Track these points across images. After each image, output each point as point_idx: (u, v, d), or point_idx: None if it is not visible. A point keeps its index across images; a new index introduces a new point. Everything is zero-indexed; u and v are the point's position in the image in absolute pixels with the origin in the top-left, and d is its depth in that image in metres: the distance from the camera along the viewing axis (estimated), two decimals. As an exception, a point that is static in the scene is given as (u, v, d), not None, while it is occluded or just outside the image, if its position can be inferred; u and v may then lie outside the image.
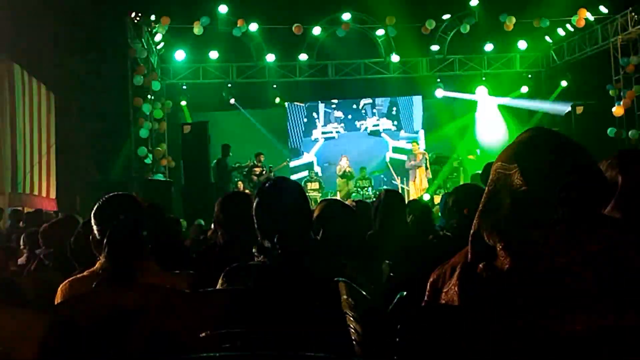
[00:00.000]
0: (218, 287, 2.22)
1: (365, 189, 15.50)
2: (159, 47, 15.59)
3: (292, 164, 17.43)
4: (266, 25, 15.64)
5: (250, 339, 2.09)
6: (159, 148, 15.12)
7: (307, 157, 18.03)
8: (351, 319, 1.88)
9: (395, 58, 16.66)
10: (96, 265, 2.37)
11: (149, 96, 14.75)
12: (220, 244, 3.39)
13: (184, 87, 16.58)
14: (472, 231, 1.49)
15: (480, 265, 1.42)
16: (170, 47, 15.79)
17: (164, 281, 2.43)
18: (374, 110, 18.38)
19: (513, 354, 1.32)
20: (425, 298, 1.63)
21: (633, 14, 14.13)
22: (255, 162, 14.99)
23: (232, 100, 16.75)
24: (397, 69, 17.13)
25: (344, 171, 15.82)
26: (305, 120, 18.11)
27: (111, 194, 2.53)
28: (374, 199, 4.95)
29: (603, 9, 15.03)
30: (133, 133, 14.19)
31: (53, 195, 13.36)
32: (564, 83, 16.44)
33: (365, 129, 18.23)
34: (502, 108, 17.58)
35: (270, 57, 16.22)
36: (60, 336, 2.11)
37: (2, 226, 9.32)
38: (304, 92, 17.59)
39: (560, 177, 1.38)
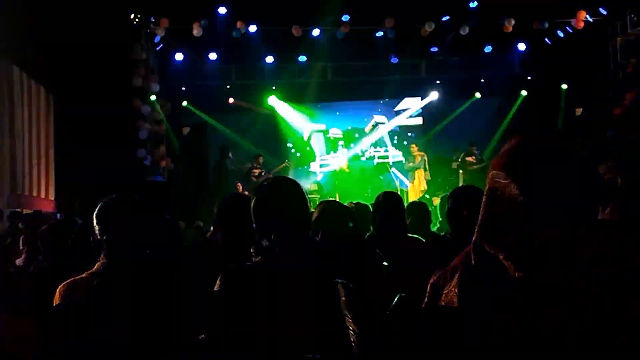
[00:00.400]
0: (216, 288, 2.21)
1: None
2: (157, 48, 15.59)
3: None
4: (265, 27, 15.63)
5: (249, 340, 2.09)
6: (158, 150, 15.12)
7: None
8: (350, 320, 1.88)
9: (394, 60, 16.66)
10: (95, 266, 2.37)
11: (147, 98, 14.75)
12: (220, 245, 3.39)
13: (183, 88, 16.58)
14: (473, 239, 1.49)
15: (486, 273, 1.42)
16: (169, 48, 15.79)
17: (163, 283, 2.43)
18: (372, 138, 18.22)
19: (513, 354, 1.32)
20: (426, 299, 1.63)
21: (632, 15, 14.14)
22: (254, 163, 14.98)
23: (231, 100, 16.75)
24: (396, 71, 17.12)
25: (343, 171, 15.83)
26: (307, 148, 18.06)
27: (112, 196, 2.53)
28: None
29: (602, 11, 15.04)
30: (132, 134, 14.18)
31: (52, 196, 13.35)
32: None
33: (372, 157, 18.05)
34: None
35: (269, 59, 16.23)
36: (58, 337, 2.11)
37: (0, 227, 9.31)
38: (304, 94, 17.58)
39: (557, 186, 1.37)
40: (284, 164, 15.88)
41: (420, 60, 17.18)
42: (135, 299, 2.24)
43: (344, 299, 1.95)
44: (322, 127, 18.06)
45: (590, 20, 15.16)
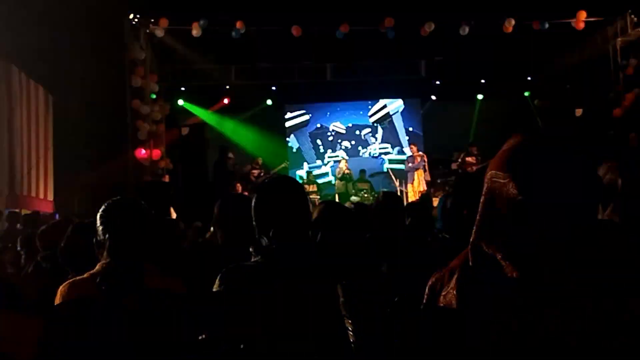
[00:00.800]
0: (214, 288, 2.21)
1: (364, 191, 15.50)
2: (157, 48, 15.58)
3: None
4: (265, 27, 15.62)
5: (247, 341, 2.08)
6: (157, 150, 15.11)
7: (325, 168, 18.07)
8: (349, 320, 1.88)
9: (393, 60, 16.68)
10: (97, 267, 2.36)
11: (147, 98, 14.74)
12: (219, 245, 3.39)
13: (182, 88, 16.58)
14: (471, 240, 1.48)
15: (484, 273, 1.41)
16: (168, 48, 15.78)
17: (162, 284, 2.43)
18: (376, 136, 18.32)
19: (513, 354, 1.32)
20: (424, 301, 1.63)
21: (632, 16, 14.14)
22: (253, 164, 14.99)
23: (226, 100, 16.77)
24: (396, 71, 17.13)
25: (343, 173, 15.82)
26: (311, 146, 18.07)
27: (118, 197, 2.54)
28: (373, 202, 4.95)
29: (602, 11, 15.03)
30: (131, 135, 14.18)
31: (51, 197, 13.34)
32: None
33: (371, 154, 18.15)
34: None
35: (269, 59, 16.22)
36: (58, 338, 2.10)
37: (-1, 228, 9.31)
38: (303, 94, 17.60)
39: (555, 186, 1.36)
40: (283, 164, 15.88)
41: (419, 61, 17.18)
42: (137, 300, 2.24)
43: (343, 299, 1.94)
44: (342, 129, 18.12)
45: (591, 20, 15.16)
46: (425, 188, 15.32)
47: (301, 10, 14.54)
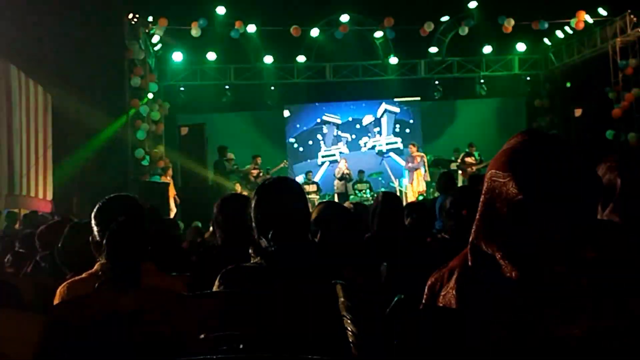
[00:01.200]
0: (214, 289, 2.21)
1: (364, 191, 15.50)
2: (156, 48, 15.59)
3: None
4: (264, 27, 15.64)
5: (247, 341, 2.08)
6: (156, 150, 15.11)
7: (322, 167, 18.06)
8: (348, 321, 1.87)
9: (393, 60, 16.70)
10: (95, 267, 2.36)
11: (146, 98, 14.74)
12: (219, 245, 3.39)
13: (182, 88, 16.58)
14: (470, 239, 1.48)
15: (484, 273, 1.41)
16: (167, 48, 15.79)
17: (161, 283, 2.43)
18: (379, 129, 18.28)
19: (513, 354, 1.32)
20: (423, 302, 1.62)
21: (632, 16, 14.16)
22: (252, 164, 14.98)
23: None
24: (395, 71, 17.15)
25: (343, 173, 15.82)
26: (310, 142, 18.06)
27: (111, 195, 2.52)
28: (372, 202, 4.95)
29: (602, 11, 15.06)
30: (130, 134, 14.18)
31: (49, 197, 13.33)
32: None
33: (373, 147, 18.13)
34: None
35: (268, 59, 16.23)
36: (57, 338, 2.10)
37: (-2, 228, 9.31)
38: (302, 94, 17.61)
39: (555, 186, 1.36)
40: (282, 164, 15.87)
41: (419, 61, 17.20)
42: (135, 300, 2.24)
43: (342, 299, 1.94)
44: (337, 119, 18.13)
45: (590, 21, 15.18)
46: (425, 188, 15.33)
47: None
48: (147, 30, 14.73)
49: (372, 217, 4.23)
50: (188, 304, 2.24)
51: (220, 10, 15.36)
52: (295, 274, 2.17)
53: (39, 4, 11.11)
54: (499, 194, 1.41)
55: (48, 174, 13.32)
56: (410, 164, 15.55)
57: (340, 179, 15.80)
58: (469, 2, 15.82)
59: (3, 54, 10.98)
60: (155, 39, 15.20)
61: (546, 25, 15.66)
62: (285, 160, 16.27)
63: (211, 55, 15.97)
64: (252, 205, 2.31)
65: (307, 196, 2.43)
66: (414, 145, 16.08)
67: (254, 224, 2.30)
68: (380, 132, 18.16)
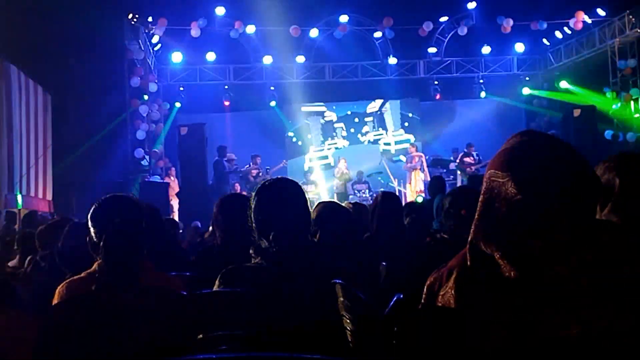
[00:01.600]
0: (215, 288, 2.21)
1: (363, 191, 15.50)
2: (156, 48, 15.59)
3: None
4: (263, 27, 15.64)
5: (246, 341, 2.08)
6: (156, 150, 15.10)
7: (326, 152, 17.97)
8: (348, 321, 1.87)
9: (392, 60, 16.69)
10: (93, 267, 2.36)
11: (145, 98, 14.74)
12: (219, 245, 3.38)
13: (181, 88, 16.57)
14: (469, 239, 1.48)
15: (482, 273, 1.41)
16: (167, 48, 15.79)
17: (160, 282, 2.42)
18: (384, 124, 18.09)
19: (513, 354, 1.32)
20: (422, 301, 1.62)
21: (631, 16, 14.16)
22: (252, 164, 14.97)
23: (227, 103, 16.76)
24: (395, 71, 17.14)
25: (342, 173, 15.81)
26: (309, 136, 18.00)
27: (108, 195, 2.51)
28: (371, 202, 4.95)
29: (601, 12, 15.06)
30: (130, 134, 14.18)
31: (49, 196, 13.32)
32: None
33: (376, 142, 18.02)
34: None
35: (268, 59, 16.22)
36: (56, 337, 2.10)
37: (-2, 228, 9.30)
38: (301, 94, 17.58)
39: (554, 186, 1.36)
40: (282, 164, 15.85)
41: (418, 61, 17.19)
42: (133, 299, 2.24)
43: (342, 299, 1.94)
44: (321, 109, 18.03)
45: (589, 21, 15.18)
46: (423, 188, 15.32)
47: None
48: (146, 31, 14.73)
49: (371, 217, 4.23)
50: (188, 303, 2.24)
51: (220, 10, 15.36)
52: (295, 274, 2.17)
53: (39, 4, 11.11)
54: (498, 193, 1.41)
55: (48, 174, 13.31)
56: (408, 164, 15.55)
57: (340, 179, 15.78)
58: (467, 3, 15.83)
59: (3, 54, 10.97)
60: (155, 39, 15.20)
61: (545, 26, 15.66)
62: (285, 160, 16.26)
63: (210, 56, 15.97)
64: (252, 207, 2.31)
65: (307, 196, 2.43)
66: (412, 145, 16.08)
67: (254, 225, 2.30)
68: (384, 127, 18.04)
